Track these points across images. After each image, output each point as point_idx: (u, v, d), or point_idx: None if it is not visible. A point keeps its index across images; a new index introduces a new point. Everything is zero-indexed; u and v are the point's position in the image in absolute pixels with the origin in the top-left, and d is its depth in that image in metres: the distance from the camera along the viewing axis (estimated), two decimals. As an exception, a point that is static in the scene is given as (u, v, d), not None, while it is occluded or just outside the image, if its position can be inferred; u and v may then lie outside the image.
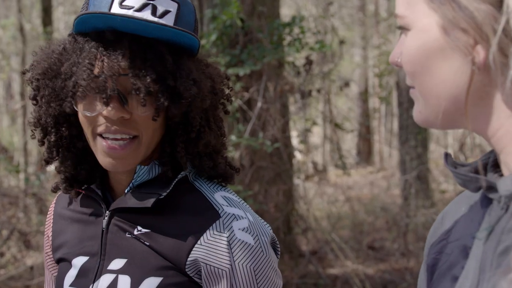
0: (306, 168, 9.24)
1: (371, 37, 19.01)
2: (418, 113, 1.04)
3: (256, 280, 1.48)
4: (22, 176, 9.39)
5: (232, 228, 1.48)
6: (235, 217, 1.50)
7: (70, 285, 1.59)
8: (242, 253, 1.47)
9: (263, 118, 6.36)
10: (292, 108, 7.87)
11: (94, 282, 1.54)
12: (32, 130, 1.61)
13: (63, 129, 1.55)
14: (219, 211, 1.50)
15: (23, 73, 1.61)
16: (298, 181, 7.86)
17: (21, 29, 12.16)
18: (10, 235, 7.54)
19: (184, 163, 1.53)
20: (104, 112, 1.44)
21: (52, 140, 1.57)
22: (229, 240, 1.47)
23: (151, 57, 1.43)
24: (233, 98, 1.72)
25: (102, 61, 1.42)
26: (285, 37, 6.36)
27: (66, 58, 1.48)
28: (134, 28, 1.43)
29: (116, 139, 1.47)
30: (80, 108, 1.47)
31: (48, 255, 1.77)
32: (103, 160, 1.49)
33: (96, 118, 1.46)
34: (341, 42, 8.99)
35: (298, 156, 8.90)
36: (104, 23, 1.43)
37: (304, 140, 8.46)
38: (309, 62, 7.11)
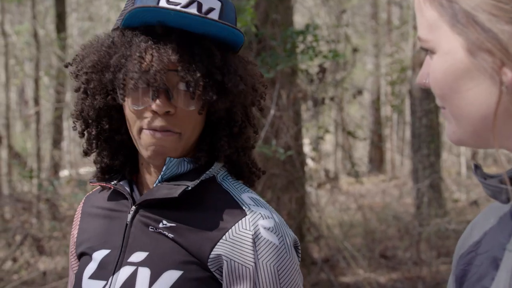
0: (319, 175, 9.23)
1: (383, 45, 19.00)
2: (452, 134, 1.04)
3: (279, 280, 1.48)
4: (35, 181, 9.43)
5: (258, 226, 1.48)
6: (262, 216, 1.50)
7: (90, 277, 1.59)
8: (267, 252, 1.47)
9: (276, 125, 6.36)
10: (304, 115, 7.88)
11: (113, 274, 1.54)
12: (73, 122, 1.63)
13: (104, 122, 1.59)
14: (246, 210, 1.51)
15: (66, 66, 1.64)
16: (310, 188, 7.85)
17: (35, 35, 12.22)
18: (23, 241, 7.57)
19: (224, 157, 1.57)
20: (152, 106, 1.46)
21: (93, 133, 1.60)
22: (254, 238, 1.47)
23: (199, 52, 1.46)
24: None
25: (152, 55, 1.44)
26: (299, 45, 6.36)
27: (115, 51, 1.50)
28: (184, 23, 1.45)
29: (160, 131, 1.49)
30: (127, 102, 1.50)
31: (72, 254, 1.78)
32: (146, 152, 1.51)
33: (142, 112, 1.49)
34: (355, 50, 9.00)
35: (310, 163, 8.90)
36: (155, 17, 1.46)
37: (316, 148, 8.46)
38: (322, 70, 7.11)
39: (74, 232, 1.76)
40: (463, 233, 1.23)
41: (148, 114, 1.48)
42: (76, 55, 1.61)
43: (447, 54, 0.98)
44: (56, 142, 12.22)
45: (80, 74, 1.56)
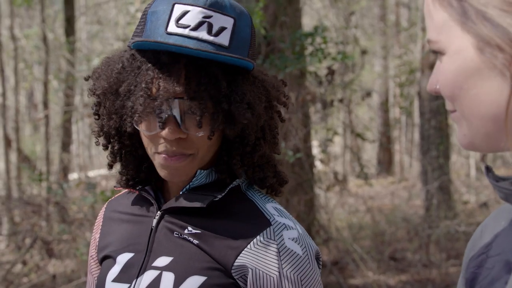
0: (327, 178, 9.22)
1: (392, 47, 18.97)
2: (463, 136, 1.03)
3: None
4: (44, 184, 9.45)
5: (282, 236, 1.50)
6: (286, 226, 1.52)
7: (113, 281, 1.60)
8: (290, 262, 1.49)
9: (285, 128, 6.36)
10: (313, 117, 7.87)
11: (137, 277, 1.55)
12: (96, 137, 1.64)
13: (125, 138, 1.59)
14: (270, 220, 1.52)
15: (86, 79, 1.64)
16: (319, 191, 7.84)
17: (44, 39, 12.25)
18: (33, 244, 7.59)
19: (239, 173, 1.57)
20: (162, 134, 1.47)
21: (115, 147, 1.61)
22: (278, 248, 1.48)
23: (206, 81, 1.44)
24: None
25: (159, 84, 1.44)
26: (307, 47, 6.36)
27: (125, 77, 1.50)
28: (190, 52, 1.44)
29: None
30: (141, 127, 1.50)
31: (93, 258, 1.79)
32: (161, 171, 1.53)
33: (155, 137, 1.50)
34: (363, 52, 8.98)
35: (319, 166, 8.89)
36: (160, 46, 1.45)
37: (325, 150, 8.45)
38: (331, 72, 7.11)
39: (96, 235, 1.77)
40: (473, 235, 1.22)
41: (160, 140, 1.49)
42: (95, 70, 1.61)
43: (457, 53, 0.97)
44: (65, 145, 12.24)
45: (94, 95, 1.57)
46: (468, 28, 0.95)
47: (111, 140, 1.61)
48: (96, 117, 1.59)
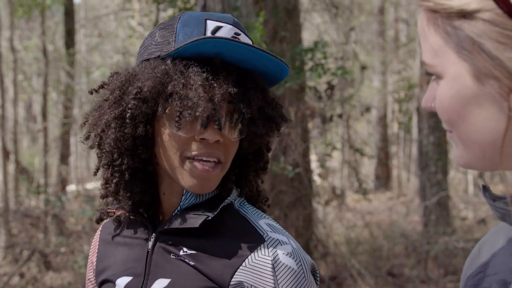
0: (325, 192, 9.21)
1: (390, 62, 19.02)
2: (460, 158, 1.03)
3: None
4: (42, 196, 9.44)
5: (276, 252, 1.51)
6: (280, 242, 1.53)
7: None
8: (286, 277, 1.49)
9: (284, 142, 6.36)
10: (312, 132, 7.87)
11: None
12: (102, 153, 1.58)
13: (140, 151, 1.55)
14: (264, 236, 1.54)
15: (91, 93, 1.62)
16: (317, 205, 7.83)
17: (44, 51, 12.28)
18: (31, 256, 7.57)
19: (250, 189, 1.65)
20: (204, 135, 1.47)
21: (129, 163, 1.56)
22: (273, 264, 1.49)
23: (253, 86, 1.49)
24: None
25: (212, 86, 1.45)
26: (307, 62, 6.37)
27: (170, 79, 1.47)
28: (239, 57, 1.47)
29: (208, 161, 1.50)
30: (173, 130, 1.49)
31: (91, 281, 1.79)
32: (191, 182, 1.51)
33: (188, 140, 1.49)
34: (363, 67, 9.00)
35: (317, 180, 8.88)
36: (214, 48, 1.45)
37: (323, 165, 8.45)
38: (330, 87, 7.12)
39: (93, 258, 1.77)
40: (471, 253, 1.22)
41: (195, 143, 1.49)
42: (104, 84, 1.60)
43: (454, 80, 0.97)
44: (64, 157, 12.23)
45: (125, 100, 1.52)
46: (464, 57, 0.95)
47: (123, 155, 1.55)
48: (122, 121, 1.51)
